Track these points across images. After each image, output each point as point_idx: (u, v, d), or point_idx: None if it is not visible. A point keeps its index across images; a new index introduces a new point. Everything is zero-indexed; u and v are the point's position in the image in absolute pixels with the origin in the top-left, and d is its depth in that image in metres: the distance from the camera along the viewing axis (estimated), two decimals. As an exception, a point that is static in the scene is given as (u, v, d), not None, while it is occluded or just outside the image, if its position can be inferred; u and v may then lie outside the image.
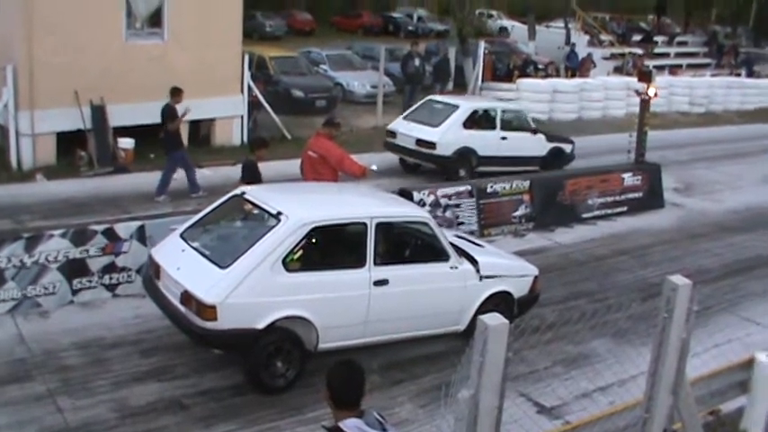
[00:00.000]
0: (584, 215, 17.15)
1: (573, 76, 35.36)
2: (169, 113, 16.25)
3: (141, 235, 11.49)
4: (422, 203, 14.18)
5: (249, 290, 8.63)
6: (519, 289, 10.77)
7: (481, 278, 10.32)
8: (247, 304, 8.65)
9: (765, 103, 38.51)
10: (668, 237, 16.73)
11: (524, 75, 33.01)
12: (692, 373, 7.23)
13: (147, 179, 17.01)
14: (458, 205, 15.16)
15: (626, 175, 18.02)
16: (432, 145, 18.60)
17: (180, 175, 16.69)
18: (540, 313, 11.11)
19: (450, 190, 15.20)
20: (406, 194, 13.55)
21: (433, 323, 10.14)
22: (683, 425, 7.05)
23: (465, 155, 18.83)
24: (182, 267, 9.14)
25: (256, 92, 21.78)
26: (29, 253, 10.72)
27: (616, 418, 8.26)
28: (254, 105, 21.80)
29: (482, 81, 29.56)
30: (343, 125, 18.23)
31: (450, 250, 10.17)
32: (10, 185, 16.68)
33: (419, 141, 18.81)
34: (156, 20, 19.42)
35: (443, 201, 14.94)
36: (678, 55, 46.66)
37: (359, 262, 9.38)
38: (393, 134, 19.59)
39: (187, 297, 8.69)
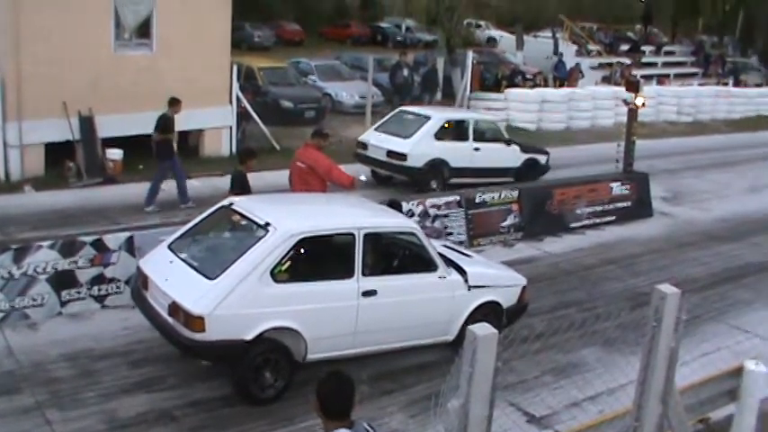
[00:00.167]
0: (573, 225, 17.18)
1: (561, 85, 35.46)
2: (163, 124, 16.24)
3: (130, 246, 11.47)
4: (410, 214, 14.18)
5: (237, 301, 8.62)
6: (507, 299, 10.78)
7: (470, 288, 10.33)
8: (235, 315, 8.63)
9: (752, 112, 38.77)
10: (657, 246, 16.77)
11: (512, 85, 33.13)
12: (681, 381, 7.26)
13: (136, 190, 16.99)
14: (446, 215, 15.17)
15: (614, 185, 18.06)
16: (402, 156, 18.35)
17: (169, 186, 16.68)
18: (529, 323, 11.11)
19: (439, 200, 15.20)
20: (394, 205, 13.54)
21: (422, 333, 10.14)
22: (672, 433, 7.06)
23: (437, 166, 18.60)
24: (170, 278, 9.13)
25: (245, 102, 21.77)
26: (17, 264, 10.68)
27: (606, 427, 8.29)
28: (242, 116, 21.78)
29: (470, 91, 29.63)
30: (332, 136, 18.19)
31: (439, 260, 10.18)
32: (-2, 197, 16.64)
33: (390, 153, 18.54)
34: (144, 30, 19.40)
35: (432, 211, 14.95)
36: (665, 64, 46.90)
37: (347, 273, 9.37)
38: (364, 146, 19.30)
39: (175, 308, 8.66)
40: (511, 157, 19.97)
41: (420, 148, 18.48)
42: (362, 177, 13.40)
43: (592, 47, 44.67)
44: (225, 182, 13.36)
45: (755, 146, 30.23)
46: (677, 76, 44.83)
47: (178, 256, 9.48)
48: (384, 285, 9.57)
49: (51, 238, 11.25)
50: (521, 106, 29.57)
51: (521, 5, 41.48)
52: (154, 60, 19.27)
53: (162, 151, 16.45)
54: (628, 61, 42.74)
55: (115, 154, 18.44)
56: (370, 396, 9.37)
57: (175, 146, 16.72)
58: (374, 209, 11.29)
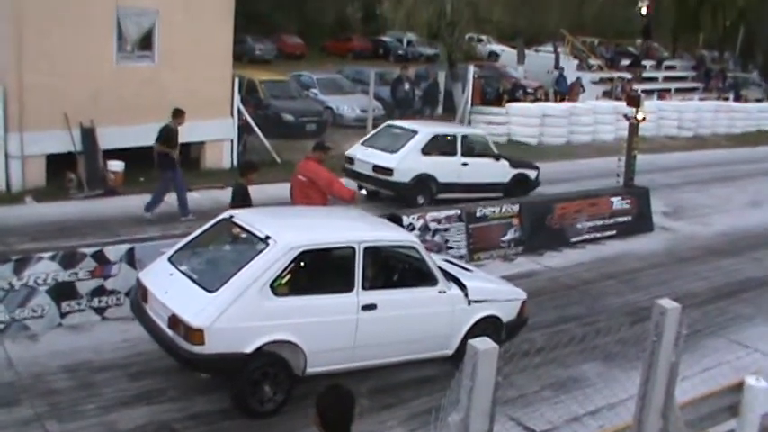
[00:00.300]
0: (574, 239, 17.17)
1: (562, 100, 35.46)
2: (166, 135, 16.26)
3: (131, 258, 11.47)
4: (411, 228, 14.18)
5: (237, 314, 8.61)
6: (507, 313, 10.78)
7: (469, 302, 10.33)
8: (235, 328, 8.63)
9: (752, 127, 38.83)
10: (657, 260, 16.77)
11: (513, 99, 33.12)
12: (681, 396, 7.23)
13: (137, 202, 17.00)
14: (447, 229, 15.16)
15: (615, 199, 18.06)
16: (389, 171, 18.22)
17: (170, 198, 16.70)
18: (529, 337, 11.10)
19: (440, 214, 15.19)
20: (395, 219, 13.53)
21: (422, 347, 10.13)
22: (672, 449, 7.04)
23: (424, 181, 18.49)
24: (169, 291, 9.13)
25: (246, 115, 21.79)
26: (17, 275, 10.68)
27: (605, 443, 8.27)
28: (243, 129, 21.80)
29: (471, 105, 29.63)
30: (333, 149, 18.18)
31: (439, 275, 10.18)
32: (-1, 208, 16.66)
33: (376, 168, 18.40)
34: (146, 43, 19.46)
35: (433, 225, 14.95)
36: (666, 79, 46.96)
37: (347, 286, 9.37)
38: (351, 160, 19.16)
39: (175, 321, 8.66)
40: (500, 172, 19.79)
41: (406, 162, 18.36)
42: (363, 191, 13.40)
43: (593, 61, 44.72)
44: (225, 194, 13.38)
45: (756, 161, 30.25)
46: (678, 90, 44.89)
47: (178, 269, 9.48)
48: (384, 299, 9.57)
49: (52, 250, 11.26)
50: (522, 120, 29.59)
51: (522, 20, 41.47)
52: (156, 72, 19.31)
53: (164, 162, 16.47)
54: (629, 76, 42.83)
55: (116, 166, 18.46)
56: (370, 410, 9.34)
57: (178, 157, 16.68)
58: (374, 222, 11.28)
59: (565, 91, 37.13)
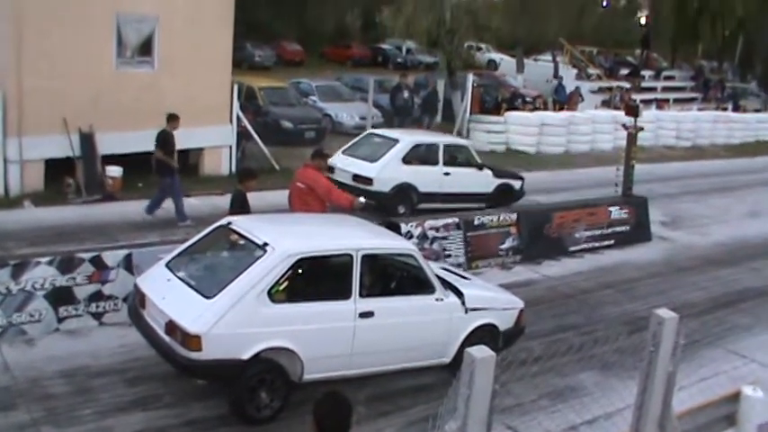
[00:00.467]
0: (572, 248, 17.17)
1: (561, 109, 35.48)
2: (162, 140, 16.32)
3: (128, 263, 11.46)
4: (409, 235, 14.18)
5: (234, 320, 8.60)
6: (504, 322, 10.78)
7: (467, 311, 10.32)
8: (232, 335, 8.62)
9: (751, 138, 38.93)
10: (655, 270, 16.77)
11: (512, 108, 33.13)
12: (678, 406, 7.23)
13: (135, 208, 17.03)
14: (445, 237, 15.16)
15: (613, 209, 18.06)
16: (369, 181, 17.93)
17: (169, 204, 16.72)
18: (527, 346, 11.08)
19: (438, 222, 15.18)
20: (393, 226, 13.56)
21: (419, 355, 10.12)
22: (669, 459, 7.04)
23: (404, 191, 18.22)
24: (167, 297, 9.11)
25: (245, 122, 21.79)
26: (15, 280, 10.66)
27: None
28: (242, 135, 21.80)
29: (470, 114, 29.67)
30: (332, 157, 18.13)
31: (436, 283, 10.18)
32: (-3, 212, 16.65)
33: (356, 177, 18.06)
34: (146, 48, 19.46)
35: (431, 233, 14.95)
36: (665, 89, 46.97)
37: (344, 294, 9.37)
38: (331, 169, 18.52)
39: (172, 327, 8.65)
40: (483, 182, 19.52)
41: (387, 172, 18.12)
42: (361, 199, 13.37)
43: (592, 71, 44.78)
44: (224, 201, 13.37)
45: (754, 171, 30.32)
46: (677, 100, 44.94)
47: (176, 275, 9.48)
48: (381, 307, 9.57)
49: (50, 254, 11.24)
50: (520, 129, 29.63)
51: (521, 29, 41.59)
52: (155, 78, 19.32)
53: (162, 168, 16.51)
54: (627, 85, 42.89)
55: (115, 171, 18.43)
56: (367, 418, 9.32)
57: (176, 163, 16.71)
58: (372, 230, 11.27)
59: (564, 100, 37.19)
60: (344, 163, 18.61)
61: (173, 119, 16.54)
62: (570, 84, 39.38)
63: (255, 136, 22.10)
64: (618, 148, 26.11)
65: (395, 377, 10.17)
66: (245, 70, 36.49)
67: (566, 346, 10.74)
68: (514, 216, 16.30)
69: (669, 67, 54.09)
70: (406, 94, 27.35)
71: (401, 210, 17.99)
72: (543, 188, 22.68)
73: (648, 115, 31.10)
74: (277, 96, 27.54)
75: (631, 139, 18.56)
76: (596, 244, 17.62)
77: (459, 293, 10.38)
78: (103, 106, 18.09)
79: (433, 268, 10.56)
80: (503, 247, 16.02)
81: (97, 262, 11.28)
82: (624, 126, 18.96)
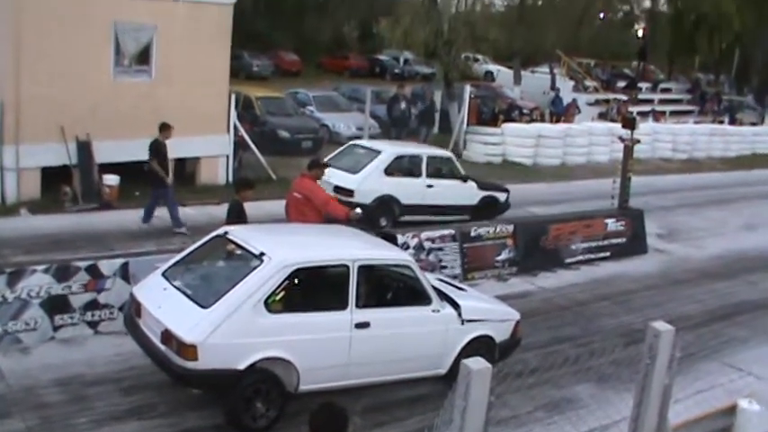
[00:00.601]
0: (568, 260, 17.17)
1: (558, 121, 35.57)
2: (155, 149, 16.37)
3: (124, 272, 11.44)
4: (405, 246, 14.17)
5: (230, 330, 8.60)
6: (501, 333, 10.78)
7: (463, 322, 10.32)
8: (228, 344, 8.61)
9: (747, 151, 38.96)
10: (651, 282, 16.77)
11: (509, 119, 33.19)
12: (674, 419, 7.22)
13: (132, 216, 17.04)
14: (441, 249, 15.15)
15: (609, 221, 18.07)
16: (350, 192, 17.52)
17: (164, 213, 16.73)
18: (523, 358, 11.09)
19: (434, 233, 15.18)
20: (389, 237, 13.56)
21: (415, 366, 10.12)
22: (664, 472, 7.03)
23: (386, 203, 17.91)
24: (163, 306, 9.11)
25: (242, 131, 21.79)
26: (10, 288, 10.64)
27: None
28: (239, 145, 21.80)
29: (467, 125, 29.68)
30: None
31: (433, 294, 10.18)
32: (-7, 220, 16.63)
33: (337, 188, 17.41)
34: (144, 57, 19.45)
35: (427, 244, 14.94)
36: (662, 101, 47.06)
37: (341, 304, 9.37)
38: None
39: (168, 336, 8.64)
40: (467, 194, 19.24)
41: (368, 183, 17.83)
42: (358, 210, 13.38)
43: (589, 83, 44.89)
44: (220, 210, 13.38)
45: (751, 184, 30.34)
46: (673, 113, 45.02)
47: (172, 284, 9.47)
48: (377, 318, 9.57)
49: (46, 263, 11.22)
50: (517, 141, 29.61)
51: (519, 40, 41.66)
52: (153, 87, 19.32)
53: (154, 177, 16.58)
54: (624, 98, 42.98)
55: (112, 180, 18.42)
56: (363, 428, 9.30)
57: (168, 174, 16.74)
58: (369, 241, 11.29)
59: (561, 112, 37.26)
60: (326, 174, 18.19)
61: (165, 128, 16.63)
62: (567, 96, 39.48)
63: (252, 146, 22.09)
64: (614, 160, 26.06)
65: (391, 388, 10.16)
66: (243, 80, 36.56)
67: (562, 357, 10.76)
68: (511, 228, 16.30)
69: (666, 80, 54.22)
70: (403, 105, 27.39)
71: (383, 222, 17.70)
72: (540, 200, 22.71)
73: (645, 128, 31.14)
74: (274, 106, 27.57)
75: (628, 151, 18.57)
76: (592, 256, 17.61)
77: (455, 305, 10.39)
78: (101, 115, 18.10)
79: (429, 279, 10.56)
80: (499, 258, 16.01)
81: (93, 270, 11.26)
82: (621, 138, 18.96)
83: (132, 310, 9.71)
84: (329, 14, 53.67)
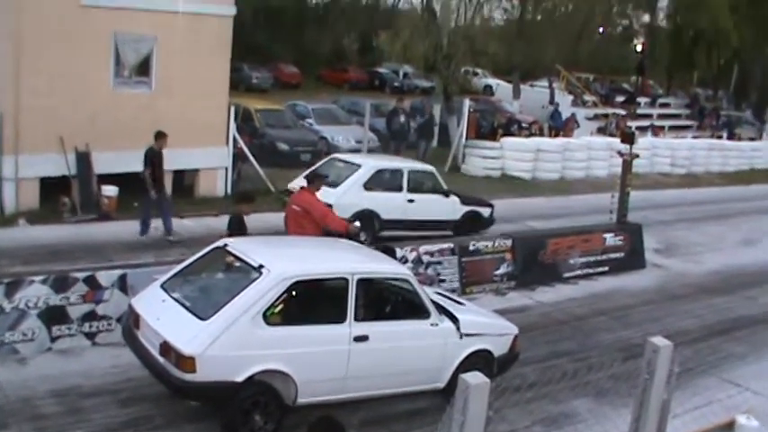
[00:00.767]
0: (566, 275, 17.16)
1: (556, 135, 35.61)
2: (150, 157, 16.48)
3: (123, 284, 11.44)
4: (404, 260, 14.18)
5: (229, 342, 8.59)
6: (499, 348, 10.76)
7: (461, 336, 10.30)
8: (227, 357, 8.60)
9: (745, 166, 39.00)
10: (649, 297, 16.77)
11: (508, 133, 33.25)
12: (672, 435, 7.22)
13: (130, 227, 17.03)
14: (440, 263, 15.15)
15: (608, 236, 18.06)
16: (328, 207, 16.76)
17: (159, 224, 16.80)
18: (521, 372, 11.09)
19: (433, 247, 15.18)
20: (388, 251, 13.55)
21: (413, 380, 10.10)
22: (662, 488, 7.02)
23: (366, 218, 17.15)
24: (161, 318, 9.10)
25: (241, 143, 21.82)
26: (8, 298, 10.63)
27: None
28: (238, 157, 21.82)
29: (466, 139, 29.70)
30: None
31: (431, 308, 10.17)
32: (-8, 230, 16.61)
33: None
34: (144, 69, 19.50)
35: (425, 258, 14.94)
36: (660, 116, 47.13)
37: (339, 317, 9.36)
38: (291, 193, 17.49)
39: (166, 348, 8.63)
40: (449, 209, 18.92)
41: (347, 198, 17.33)
42: (357, 223, 13.38)
43: (588, 97, 44.98)
44: (219, 222, 13.40)
45: (749, 199, 30.35)
46: (672, 128, 45.09)
47: (171, 296, 9.46)
48: (376, 331, 9.55)
49: (44, 273, 11.22)
50: (516, 155, 29.62)
51: (518, 54, 41.75)
52: (152, 99, 19.35)
53: (153, 184, 16.63)
54: (623, 112, 43.04)
55: (110, 190, 18.42)
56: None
57: (156, 186, 16.78)
58: (368, 254, 11.30)
59: (560, 126, 37.32)
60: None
61: (160, 137, 16.70)
62: (566, 110, 39.54)
63: (251, 158, 22.12)
64: (613, 174, 26.07)
65: (389, 401, 10.14)
66: (243, 92, 36.70)
67: (560, 372, 10.79)
68: (509, 242, 16.30)
69: (665, 95, 54.37)
70: (402, 119, 27.44)
71: (362, 237, 17.35)
72: (538, 214, 22.72)
73: (644, 142, 31.19)
74: (273, 118, 27.65)
75: (627, 165, 18.58)
76: (590, 270, 17.61)
77: (454, 319, 10.38)
78: (100, 125, 18.12)
79: (428, 293, 10.56)
80: (497, 272, 16.01)
81: (91, 282, 11.26)
82: (620, 153, 18.96)
83: (131, 322, 9.70)
84: (329, 27, 53.89)
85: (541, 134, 36.09)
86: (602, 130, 39.27)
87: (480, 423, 5.23)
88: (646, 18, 58.19)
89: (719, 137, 43.02)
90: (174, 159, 17.62)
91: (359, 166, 18.25)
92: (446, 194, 19.02)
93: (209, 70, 20.23)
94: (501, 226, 19.30)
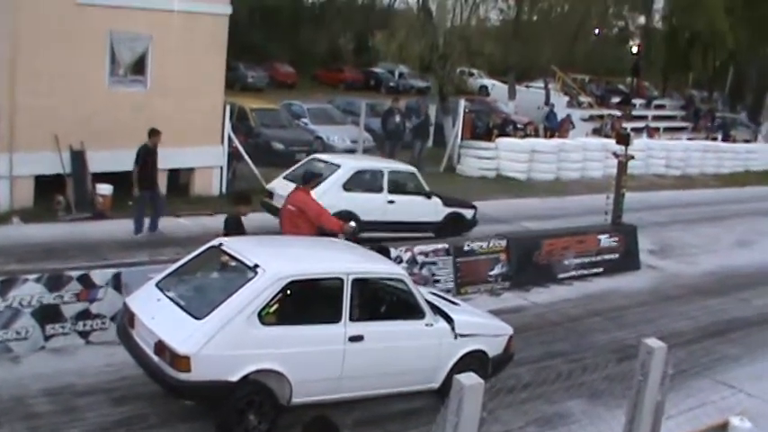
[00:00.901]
0: (561, 275, 17.17)
1: (552, 136, 35.65)
2: (143, 154, 16.52)
3: (117, 282, 11.41)
4: (398, 260, 14.17)
5: (224, 342, 8.57)
6: (494, 348, 10.76)
7: (456, 336, 10.30)
8: (221, 356, 8.59)
9: (740, 168, 39.07)
10: (643, 299, 16.78)
11: (503, 134, 33.28)
12: (666, 436, 7.22)
13: (125, 226, 17.01)
14: (434, 263, 15.15)
15: (602, 237, 18.07)
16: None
17: (161, 224, 16.83)
18: (515, 373, 11.09)
19: (428, 247, 15.18)
20: (383, 251, 13.55)
21: (408, 380, 10.10)
22: (656, 489, 7.02)
23: (344, 219, 16.22)
24: (156, 317, 9.09)
25: (236, 143, 21.79)
26: (2, 297, 10.61)
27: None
28: (234, 156, 21.81)
29: (461, 139, 29.74)
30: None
31: (426, 308, 10.16)
32: (-15, 228, 16.59)
33: None
34: (139, 68, 19.49)
35: (420, 258, 14.94)
36: (656, 118, 47.20)
37: (334, 317, 9.35)
38: (271, 194, 17.77)
39: (161, 347, 8.62)
40: (431, 211, 18.55)
41: (326, 199, 16.30)
42: (352, 223, 13.37)
43: (583, 98, 45.04)
44: (213, 221, 13.39)
45: (744, 201, 30.42)
46: (667, 129, 45.17)
47: (166, 295, 9.45)
48: (371, 331, 9.55)
49: (38, 272, 11.18)
50: (511, 156, 29.63)
51: (514, 55, 41.79)
52: (147, 98, 19.33)
53: (139, 183, 16.80)
54: (618, 113, 43.10)
55: (105, 189, 18.38)
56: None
57: (163, 183, 16.82)
58: (363, 254, 11.28)
59: (555, 127, 37.37)
60: (284, 188, 16.98)
61: (154, 134, 16.75)
62: (561, 111, 39.61)
63: (246, 157, 22.09)
64: (608, 175, 26.12)
65: (383, 402, 10.14)
66: (238, 91, 36.65)
67: (554, 373, 10.78)
68: (504, 243, 16.30)
69: (660, 96, 54.47)
70: (397, 119, 27.43)
71: (341, 239, 17.13)
72: (533, 215, 22.73)
73: (639, 144, 31.19)
74: (269, 118, 27.65)
75: (622, 167, 18.59)
76: (585, 271, 17.62)
77: (449, 319, 10.37)
78: (95, 124, 18.10)
79: (423, 293, 10.56)
80: (492, 273, 16.01)
81: (85, 280, 11.24)
82: (615, 154, 18.97)
83: (125, 321, 9.69)
84: (325, 27, 53.87)
85: (537, 135, 36.14)
86: (597, 132, 39.35)
87: (474, 424, 5.23)
88: (641, 19, 58.46)
89: (714, 138, 43.13)
90: (168, 158, 17.61)
91: (338, 166, 17.87)
92: (428, 196, 18.67)
93: (204, 69, 20.23)
94: (496, 226, 19.30)
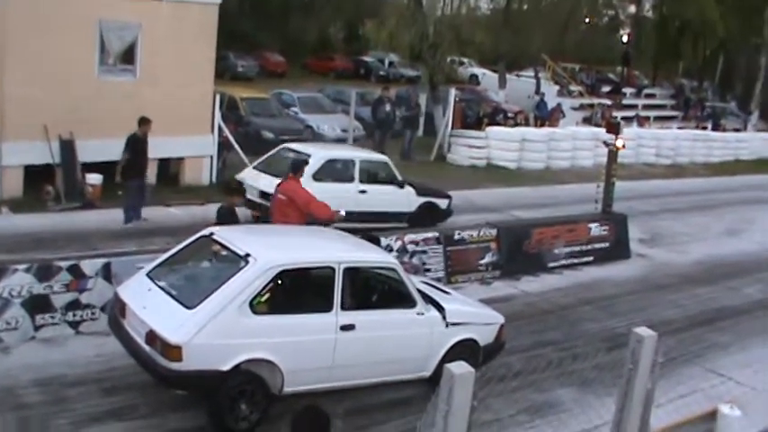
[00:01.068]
0: (551, 264, 17.18)
1: (542, 125, 35.68)
2: (132, 143, 16.47)
3: (107, 272, 11.38)
4: (388, 249, 14.17)
5: (215, 331, 8.57)
6: (485, 337, 10.78)
7: (447, 325, 10.32)
8: (213, 345, 8.58)
9: (730, 157, 39.17)
10: (633, 287, 16.82)
11: (494, 123, 33.29)
12: (656, 423, 7.25)
13: (115, 216, 16.95)
14: (425, 252, 15.15)
15: (593, 225, 18.09)
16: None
17: (147, 212, 16.75)
18: (506, 361, 11.09)
19: (418, 236, 15.19)
20: (373, 240, 13.54)
21: (399, 369, 10.12)
22: (646, 476, 7.05)
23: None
24: (148, 306, 9.07)
25: (226, 132, 21.75)
26: (-8, 287, 10.60)
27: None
28: (224, 145, 21.76)
29: (452, 128, 29.74)
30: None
31: (417, 296, 10.18)
32: (-25, 218, 16.53)
33: (263, 194, 16.23)
34: (128, 57, 19.43)
35: (410, 247, 14.95)
36: (646, 107, 47.25)
37: (326, 306, 9.36)
38: (241, 185, 16.73)
39: (152, 336, 8.61)
40: (403, 200, 18.27)
41: None
42: (342, 212, 13.33)
43: (573, 87, 45.06)
44: (204, 210, 13.34)
45: (733, 190, 30.48)
46: (657, 118, 45.21)
47: (157, 285, 9.44)
48: (362, 320, 9.56)
49: (27, 262, 11.15)
50: (501, 145, 29.64)
51: (504, 44, 41.71)
52: (137, 87, 19.28)
53: (127, 172, 16.73)
54: (609, 102, 43.13)
55: (95, 179, 18.33)
56: (345, 431, 9.31)
57: (152, 173, 16.77)
58: (354, 243, 11.27)
59: (545, 116, 37.39)
60: (254, 179, 17.17)
61: (144, 122, 16.67)
62: (552, 100, 39.63)
63: (236, 146, 22.04)
64: (598, 164, 26.10)
65: (374, 391, 10.15)
66: (228, 80, 36.53)
67: (545, 361, 10.82)
68: (494, 231, 16.31)
69: (650, 85, 54.51)
70: (387, 108, 27.42)
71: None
72: (523, 204, 22.76)
73: (629, 133, 31.20)
74: (259, 107, 27.60)
75: (612, 156, 18.60)
76: (575, 260, 17.64)
77: (439, 308, 10.39)
78: (85, 114, 18.03)
79: (414, 282, 10.56)
80: (482, 262, 16.03)
81: (75, 270, 11.20)
82: (605, 143, 18.97)
83: (116, 311, 9.67)
84: (315, 15, 53.66)
85: (527, 124, 36.18)
86: (587, 120, 39.38)
87: (465, 412, 5.25)
88: (632, 8, 58.41)
89: (704, 128, 43.19)
90: (158, 147, 17.56)
91: (308, 156, 17.20)
92: (401, 185, 18.38)
93: (194, 58, 20.17)
94: (486, 215, 19.31)
